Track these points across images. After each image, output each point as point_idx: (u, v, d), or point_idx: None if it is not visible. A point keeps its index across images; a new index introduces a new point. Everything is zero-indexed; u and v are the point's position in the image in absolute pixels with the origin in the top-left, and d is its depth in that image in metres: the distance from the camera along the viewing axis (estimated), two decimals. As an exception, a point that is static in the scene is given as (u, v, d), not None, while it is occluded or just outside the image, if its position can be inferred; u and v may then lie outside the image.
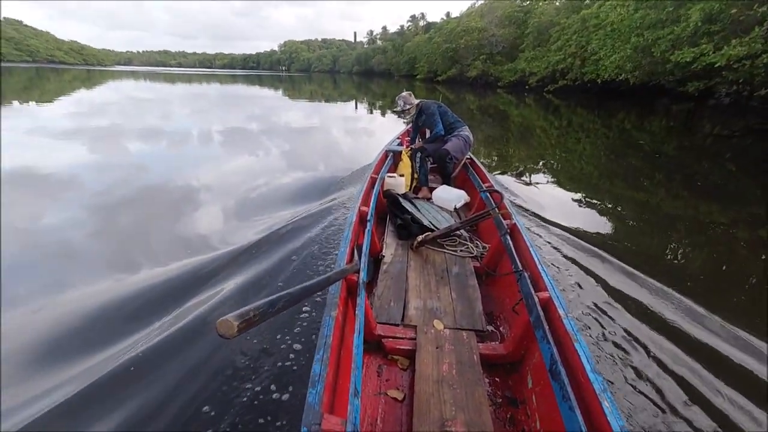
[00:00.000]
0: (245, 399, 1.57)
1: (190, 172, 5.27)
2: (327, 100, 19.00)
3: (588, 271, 2.62)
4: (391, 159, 3.88)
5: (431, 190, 3.38)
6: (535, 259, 1.76)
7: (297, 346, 1.85)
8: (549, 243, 3.03)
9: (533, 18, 27.88)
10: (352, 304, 1.54)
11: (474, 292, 1.96)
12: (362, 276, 1.59)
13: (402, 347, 1.60)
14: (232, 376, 1.69)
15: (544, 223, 3.44)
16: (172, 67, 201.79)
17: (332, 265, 2.58)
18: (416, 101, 3.70)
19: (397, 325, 1.72)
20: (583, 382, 1.11)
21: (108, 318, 2.13)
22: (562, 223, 3.46)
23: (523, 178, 5.23)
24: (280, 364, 1.75)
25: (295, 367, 1.73)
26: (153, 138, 7.66)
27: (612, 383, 1.68)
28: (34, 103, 13.43)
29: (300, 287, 1.05)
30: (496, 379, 1.53)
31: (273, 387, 1.62)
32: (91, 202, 3.98)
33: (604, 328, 2.05)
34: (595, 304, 2.24)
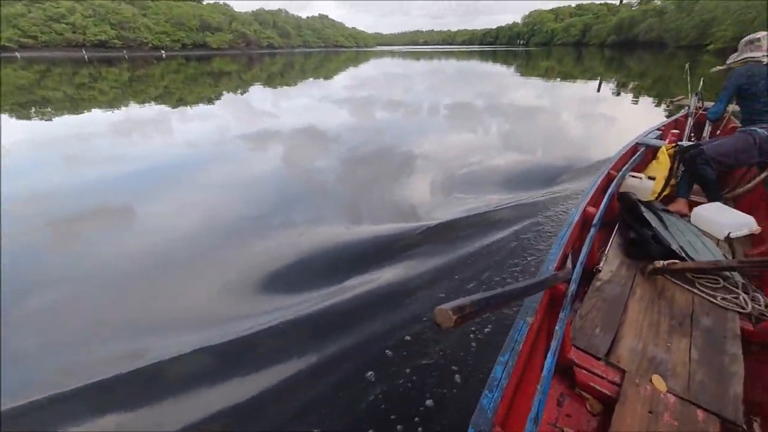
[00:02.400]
0: (422, 378, 1.65)
1: (414, 140, 5.93)
2: (564, 78, 16.87)
3: None
4: (641, 155, 3.05)
5: (692, 205, 2.49)
6: None
7: (480, 346, 1.82)
8: None
9: None
10: (551, 316, 1.35)
11: (732, 364, 1.39)
12: (571, 288, 1.37)
13: (598, 388, 1.32)
14: (414, 347, 1.81)
15: None
16: (419, 45, 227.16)
17: (535, 266, 2.38)
18: None
19: (599, 359, 1.42)
20: None
21: (337, 257, 2.65)
22: None
23: None
24: (462, 354, 1.76)
25: (476, 365, 1.71)
26: (393, 108, 9.00)
27: None
28: (322, 78, 18.14)
29: (512, 288, 0.98)
30: None
31: (456, 375, 1.66)
32: (343, 156, 5.11)
33: None
34: None
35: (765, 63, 2.39)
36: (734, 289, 1.74)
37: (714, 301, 1.69)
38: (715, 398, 1.28)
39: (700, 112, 3.49)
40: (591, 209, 1.98)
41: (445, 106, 9.22)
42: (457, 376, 1.69)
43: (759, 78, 2.36)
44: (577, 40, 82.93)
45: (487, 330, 1.88)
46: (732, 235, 2.17)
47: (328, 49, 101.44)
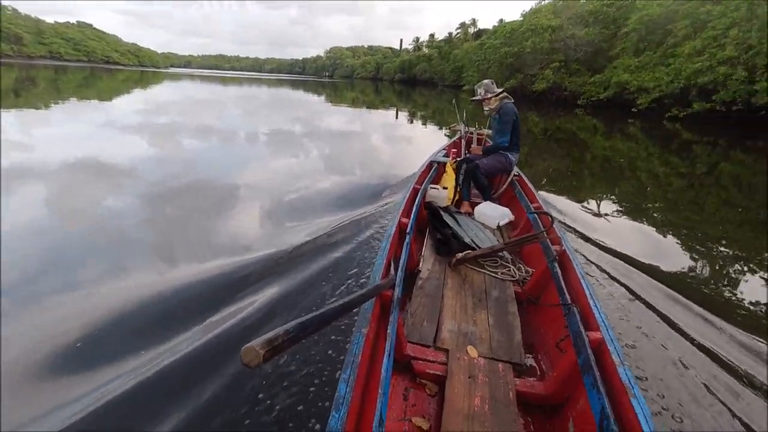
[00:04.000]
0: (267, 420, 1.50)
1: (235, 170, 5.52)
2: (368, 107, 19.31)
3: (660, 316, 2.36)
4: (435, 170, 3.80)
5: (473, 205, 3.27)
6: (587, 292, 1.62)
7: (326, 366, 1.78)
8: (609, 276, 2.81)
9: (635, 12, 19.84)
10: (384, 321, 1.45)
11: (513, 320, 1.84)
12: (397, 292, 1.53)
13: (432, 371, 1.52)
14: (252, 393, 1.63)
15: (606, 253, 3.21)
16: (225, 70, 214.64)
17: (369, 279, 2.56)
18: (500, 91, 3.33)
19: (429, 347, 1.64)
20: None
21: (143, 315, 2.16)
22: (634, 257, 3.17)
23: (591, 207, 4.76)
24: (306, 383, 1.68)
25: (326, 389, 1.66)
26: (205, 135, 8.12)
27: None
28: (95, 100, 14.65)
29: (332, 307, 0.99)
30: (532, 419, 1.42)
31: (299, 408, 1.56)
32: (145, 192, 4.26)
33: (669, 383, 1.80)
34: (662, 354, 2.00)
35: (514, 108, 3.31)
36: (507, 264, 2.32)
37: (497, 276, 2.21)
38: (506, 350, 1.65)
39: (468, 134, 4.55)
40: (404, 220, 2.28)
41: (264, 133, 9.03)
42: (314, 410, 1.60)
43: (516, 117, 3.31)
44: (373, 75, 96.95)
45: (333, 357, 1.87)
46: (500, 224, 2.92)
47: (94, 65, 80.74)
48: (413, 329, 1.72)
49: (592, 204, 4.86)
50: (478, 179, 3.33)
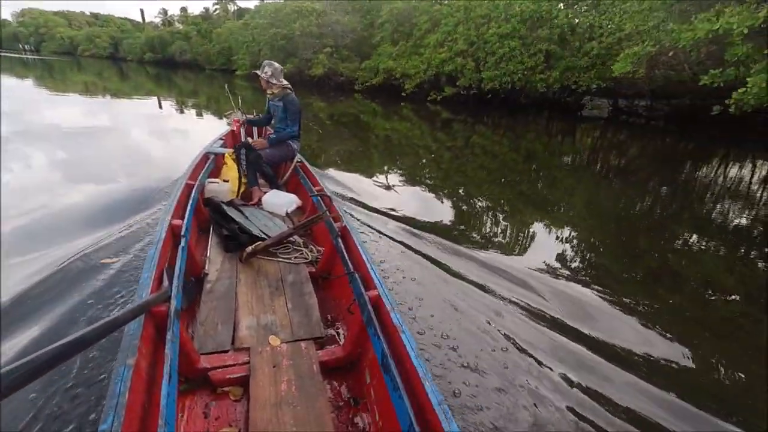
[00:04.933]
0: None
1: None
2: (115, 95, 16.29)
3: (434, 262, 3.20)
4: (212, 162, 3.80)
5: (263, 194, 3.44)
6: (365, 258, 1.96)
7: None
8: (393, 239, 3.58)
9: (386, 3, 22.18)
10: (160, 342, 1.39)
11: (310, 299, 2.07)
12: (175, 304, 1.50)
13: (233, 376, 1.57)
14: None
15: (394, 220, 4.08)
16: None
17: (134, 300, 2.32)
18: (287, 84, 3.62)
19: (227, 351, 1.68)
20: (410, 369, 1.33)
21: None
22: (417, 218, 4.17)
23: (381, 180, 5.71)
24: None
25: None
26: None
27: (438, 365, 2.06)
28: None
29: (68, 340, 0.91)
30: (337, 382, 1.67)
31: None
32: None
33: (438, 314, 2.51)
34: (432, 293, 2.76)
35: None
36: (299, 248, 2.56)
37: (291, 261, 2.42)
38: (307, 328, 1.86)
39: (245, 122, 4.52)
40: (177, 222, 2.21)
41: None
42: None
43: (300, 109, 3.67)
44: (111, 54, 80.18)
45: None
46: (289, 211, 3.15)
47: None
48: (206, 339, 1.73)
49: (382, 178, 5.78)
50: (262, 168, 3.54)
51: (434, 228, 4.07)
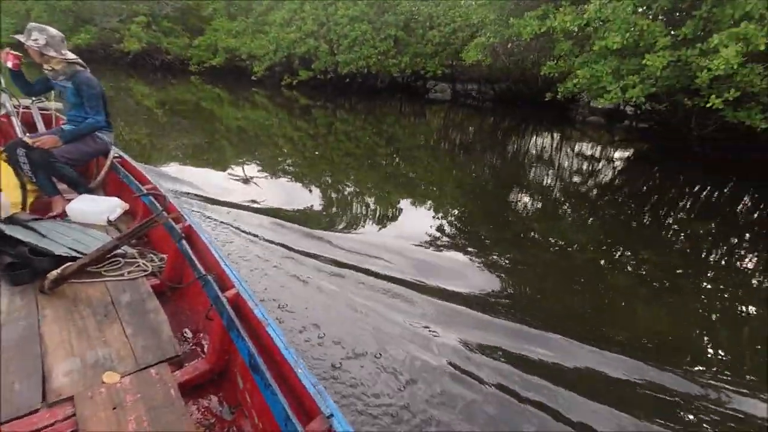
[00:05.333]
0: None
1: None
2: None
3: (296, 251, 3.34)
4: None
5: (67, 201, 2.80)
6: (217, 258, 1.88)
7: None
8: (252, 234, 3.58)
9: None
10: None
11: (157, 316, 1.87)
12: None
13: None
14: None
15: (256, 213, 4.06)
16: None
17: None
18: (75, 58, 2.90)
19: (37, 411, 1.39)
20: (281, 362, 1.34)
21: None
22: (281, 208, 4.23)
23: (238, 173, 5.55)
24: None
25: None
26: None
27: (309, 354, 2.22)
28: None
29: None
30: (205, 399, 1.61)
31: None
32: None
33: (300, 297, 2.72)
34: (287, 285, 2.88)
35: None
36: (134, 259, 2.26)
37: (123, 278, 2.11)
38: (157, 350, 1.68)
39: (21, 109, 3.72)
40: None
41: None
42: None
43: (102, 89, 3.03)
44: None
45: None
46: (111, 218, 2.66)
47: None
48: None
49: (238, 171, 5.57)
50: (59, 171, 2.85)
51: (301, 217, 4.17)
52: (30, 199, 2.82)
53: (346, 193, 5.27)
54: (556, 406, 2.08)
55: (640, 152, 9.51)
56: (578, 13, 6.52)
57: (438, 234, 4.07)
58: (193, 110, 11.55)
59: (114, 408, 1.39)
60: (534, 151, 8.89)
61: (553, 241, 4.19)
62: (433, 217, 4.58)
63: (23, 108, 3.82)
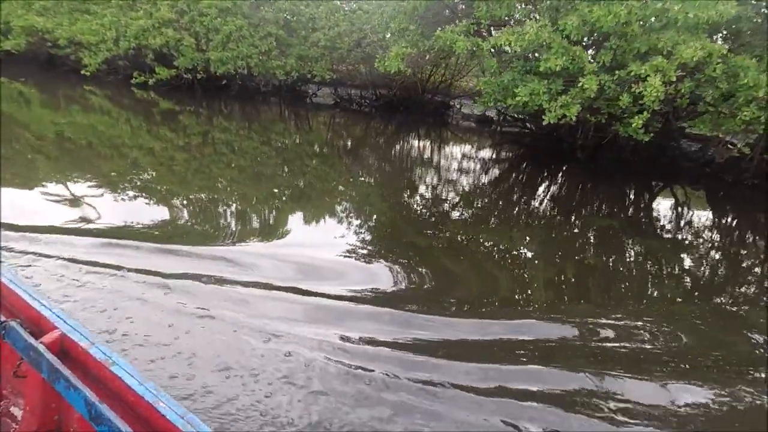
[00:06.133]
0: None
1: None
2: None
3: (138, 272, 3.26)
4: None
5: None
6: (26, 295, 1.58)
7: None
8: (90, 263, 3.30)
9: None
10: None
11: None
12: None
13: None
14: None
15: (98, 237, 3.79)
16: None
17: None
18: None
19: None
20: (134, 401, 1.21)
21: None
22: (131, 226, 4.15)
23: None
24: None
25: None
26: None
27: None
28: None
29: None
30: None
31: None
32: None
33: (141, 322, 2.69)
34: (139, 313, 2.81)
35: None
36: None
37: None
38: None
39: None
40: None
41: None
42: None
43: None
44: None
45: None
46: None
47: None
48: None
49: (62, 190, 5.02)
50: None
51: (162, 235, 4.12)
52: None
53: (226, 207, 5.40)
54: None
55: (515, 153, 12.09)
56: (519, 34, 7.66)
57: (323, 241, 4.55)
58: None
59: None
60: (421, 152, 10.77)
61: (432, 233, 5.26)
62: (334, 220, 5.31)
63: None
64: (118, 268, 3.25)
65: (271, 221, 5.09)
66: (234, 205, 5.49)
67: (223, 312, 2.84)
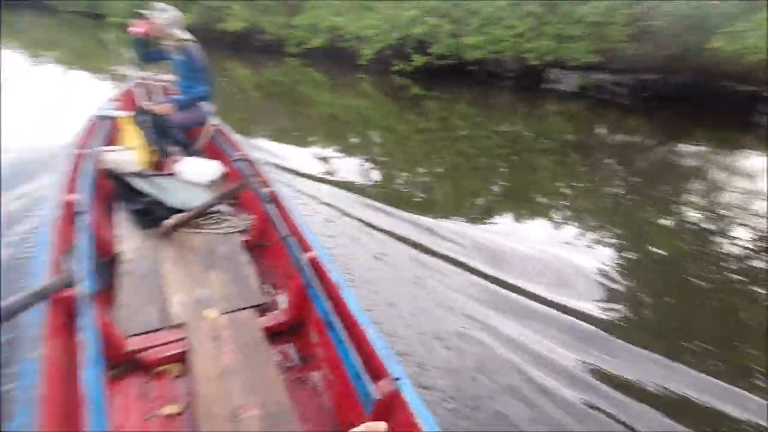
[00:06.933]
0: None
1: None
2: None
3: (372, 225, 4.09)
4: (107, 129, 3.72)
5: (176, 162, 3.47)
6: (298, 222, 2.28)
7: None
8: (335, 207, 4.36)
9: None
10: (70, 330, 1.50)
11: (247, 268, 2.35)
12: (83, 289, 1.56)
13: (171, 353, 1.75)
14: None
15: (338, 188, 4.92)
16: None
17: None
18: (190, 37, 3.61)
19: (159, 330, 1.87)
20: (353, 323, 1.62)
21: None
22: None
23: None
24: None
25: None
26: None
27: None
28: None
29: None
30: (284, 345, 1.97)
31: None
32: None
33: (370, 268, 3.38)
34: (364, 250, 3.64)
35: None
36: (227, 217, 2.77)
37: (220, 232, 2.63)
38: (246, 297, 2.13)
39: (143, 81, 4.56)
40: (71, 197, 2.27)
41: None
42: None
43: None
44: None
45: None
46: (211, 179, 3.32)
47: None
48: (132, 320, 1.91)
49: (323, 152, 6.50)
50: (173, 135, 3.58)
51: (385, 198, 4.78)
52: (152, 158, 3.51)
53: (442, 189, 5.69)
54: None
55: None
56: None
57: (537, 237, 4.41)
58: (286, 93, 11.68)
59: (214, 339, 1.78)
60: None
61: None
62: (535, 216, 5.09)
63: (145, 80, 4.69)
64: (344, 213, 4.23)
65: (480, 208, 5.41)
66: (446, 189, 5.83)
67: (427, 280, 3.37)
